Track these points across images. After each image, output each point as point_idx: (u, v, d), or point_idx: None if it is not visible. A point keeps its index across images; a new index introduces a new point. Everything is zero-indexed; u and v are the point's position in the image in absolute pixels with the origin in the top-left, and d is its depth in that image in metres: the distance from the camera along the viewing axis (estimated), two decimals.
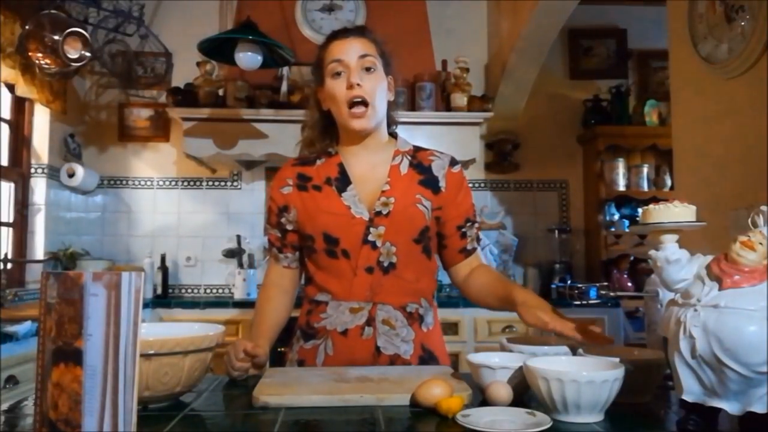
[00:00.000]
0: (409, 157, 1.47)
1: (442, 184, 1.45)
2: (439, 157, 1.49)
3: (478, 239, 1.55)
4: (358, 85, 1.36)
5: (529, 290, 1.36)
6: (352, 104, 1.38)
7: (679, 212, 0.91)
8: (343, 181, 1.43)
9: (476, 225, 1.53)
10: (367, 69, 1.39)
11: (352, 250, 1.38)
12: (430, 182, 1.45)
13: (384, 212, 1.38)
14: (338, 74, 1.38)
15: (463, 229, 1.49)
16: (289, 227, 1.46)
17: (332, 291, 1.41)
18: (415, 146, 1.51)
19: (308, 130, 1.51)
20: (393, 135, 1.51)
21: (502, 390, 0.98)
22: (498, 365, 1.03)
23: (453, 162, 1.50)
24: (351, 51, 1.38)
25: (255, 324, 1.47)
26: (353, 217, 1.38)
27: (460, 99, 3.41)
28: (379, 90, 1.40)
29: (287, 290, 1.52)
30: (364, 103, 1.38)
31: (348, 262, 1.39)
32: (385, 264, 1.39)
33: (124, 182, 3.86)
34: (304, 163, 1.49)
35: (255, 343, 1.31)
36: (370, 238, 1.38)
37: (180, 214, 3.87)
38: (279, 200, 1.47)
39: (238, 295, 3.55)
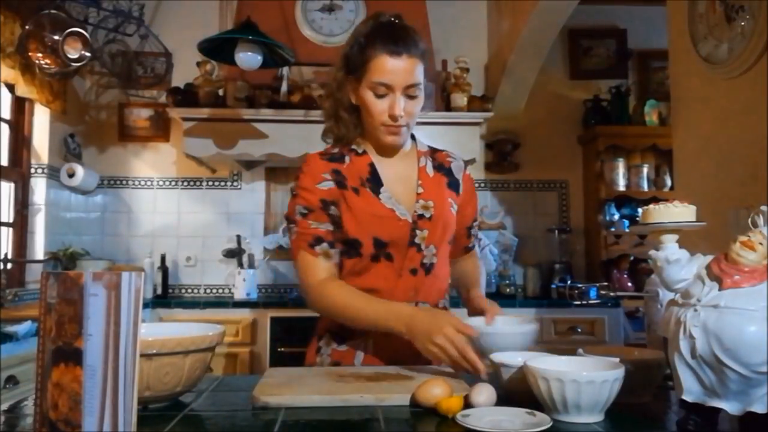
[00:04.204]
0: (430, 159, 1.49)
1: (461, 186, 1.51)
2: (455, 159, 1.54)
3: (477, 235, 1.64)
4: (401, 116, 1.34)
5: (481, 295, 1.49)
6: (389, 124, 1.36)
7: (679, 212, 0.91)
8: (375, 182, 1.40)
9: (477, 222, 1.63)
10: (411, 97, 1.35)
11: (398, 252, 1.38)
12: (454, 185, 1.50)
13: (426, 215, 1.40)
14: (381, 96, 1.34)
15: (471, 230, 1.59)
16: (339, 221, 1.38)
17: (376, 291, 1.36)
18: (429, 146, 1.54)
19: (343, 112, 1.42)
20: (411, 135, 1.50)
21: (484, 393, 0.98)
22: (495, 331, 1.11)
23: (465, 164, 1.56)
24: (400, 77, 1.31)
25: (363, 301, 1.32)
26: (399, 219, 1.37)
27: (460, 99, 3.41)
28: (417, 111, 1.38)
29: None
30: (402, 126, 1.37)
31: (390, 264, 1.38)
32: (427, 265, 1.41)
33: (124, 182, 3.86)
34: (334, 159, 1.41)
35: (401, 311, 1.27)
36: (416, 240, 1.39)
37: (180, 214, 3.86)
38: (322, 194, 1.36)
39: (238, 295, 3.54)
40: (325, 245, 1.36)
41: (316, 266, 1.36)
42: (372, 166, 1.41)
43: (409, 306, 1.32)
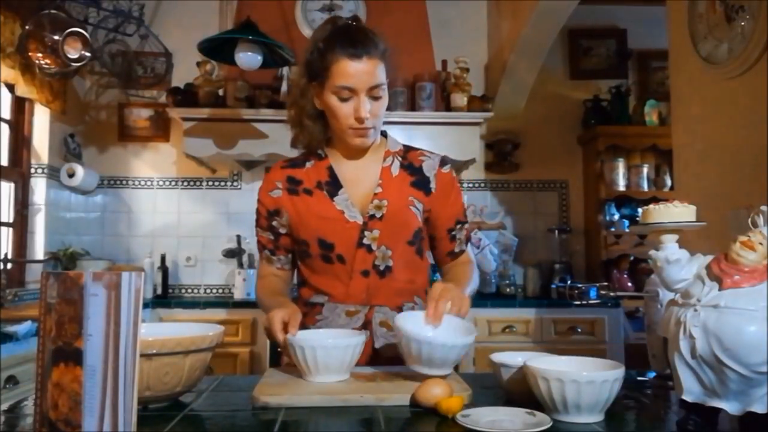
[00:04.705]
0: (400, 158, 1.46)
1: (432, 185, 1.44)
2: (430, 157, 1.48)
3: (468, 240, 1.54)
4: (367, 118, 1.33)
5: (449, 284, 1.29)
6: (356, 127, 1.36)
7: (679, 212, 0.91)
8: (333, 185, 1.41)
9: (466, 226, 1.52)
10: (375, 98, 1.35)
11: (347, 254, 1.38)
12: (421, 183, 1.44)
13: (378, 215, 1.38)
14: (345, 99, 1.33)
15: (453, 232, 1.49)
16: (282, 230, 1.45)
17: (329, 293, 1.41)
18: (405, 146, 1.50)
19: (307, 119, 1.43)
20: (383, 134, 1.49)
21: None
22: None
23: (443, 162, 1.48)
24: (362, 80, 1.32)
25: (269, 297, 1.42)
26: (347, 221, 1.38)
27: (460, 99, 3.41)
28: (382, 111, 1.38)
29: (286, 283, 1.51)
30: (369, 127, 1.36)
31: (343, 266, 1.38)
32: (381, 267, 1.39)
33: (124, 182, 3.86)
34: (294, 165, 1.47)
35: (280, 306, 1.29)
36: (365, 241, 1.37)
37: (180, 214, 3.86)
38: (268, 204, 1.45)
39: (238, 295, 3.54)
40: (266, 252, 1.50)
41: (261, 267, 1.53)
42: (330, 168, 1.43)
43: (285, 301, 1.36)
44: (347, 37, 1.33)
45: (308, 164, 1.46)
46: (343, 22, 1.39)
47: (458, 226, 1.49)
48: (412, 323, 1.15)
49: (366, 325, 1.38)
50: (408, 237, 1.41)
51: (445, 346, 1.08)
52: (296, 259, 1.49)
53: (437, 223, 1.46)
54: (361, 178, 1.43)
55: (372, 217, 1.38)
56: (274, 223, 1.45)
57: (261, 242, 1.49)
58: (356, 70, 1.31)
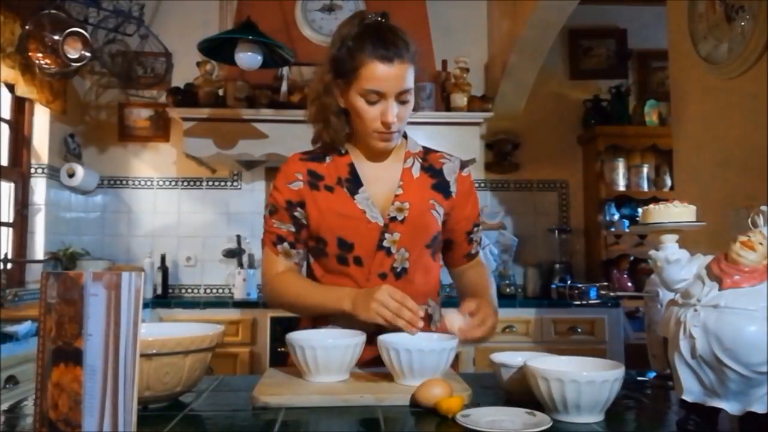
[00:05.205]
0: (420, 160, 1.43)
1: (453, 188, 1.43)
2: (450, 160, 1.46)
3: (480, 241, 1.55)
4: (394, 122, 1.30)
5: (485, 303, 1.31)
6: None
7: (679, 212, 0.91)
8: (354, 183, 1.38)
9: (480, 227, 1.54)
10: (403, 102, 1.31)
11: (366, 255, 1.35)
12: (442, 186, 1.42)
13: (399, 218, 1.35)
14: (372, 103, 1.29)
15: (471, 235, 1.49)
16: (304, 222, 1.39)
17: None
18: (424, 147, 1.47)
19: (332, 117, 1.37)
20: (403, 135, 1.47)
21: (457, 320, 1.01)
22: None
23: (463, 165, 1.47)
24: (392, 84, 1.27)
25: (311, 286, 1.38)
26: (368, 221, 1.34)
27: (460, 99, 3.41)
28: (408, 115, 1.35)
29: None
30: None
31: (360, 269, 1.36)
32: (398, 270, 1.36)
33: (124, 182, 3.86)
34: (314, 158, 1.42)
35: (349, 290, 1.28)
36: (385, 244, 1.35)
37: (180, 214, 3.86)
38: (291, 195, 1.38)
39: (238, 295, 3.55)
40: (285, 245, 1.40)
41: (275, 262, 1.41)
42: (351, 166, 1.39)
43: (346, 287, 1.33)
44: (379, 38, 1.28)
45: (328, 159, 1.41)
46: (374, 20, 1.33)
47: (476, 229, 1.50)
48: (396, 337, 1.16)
49: (380, 329, 1.35)
50: (427, 240, 1.39)
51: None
52: (308, 258, 1.45)
53: (456, 226, 1.45)
54: (381, 178, 1.39)
55: (393, 219, 1.35)
56: (297, 214, 1.39)
57: (279, 235, 1.39)
58: (387, 74, 1.26)
